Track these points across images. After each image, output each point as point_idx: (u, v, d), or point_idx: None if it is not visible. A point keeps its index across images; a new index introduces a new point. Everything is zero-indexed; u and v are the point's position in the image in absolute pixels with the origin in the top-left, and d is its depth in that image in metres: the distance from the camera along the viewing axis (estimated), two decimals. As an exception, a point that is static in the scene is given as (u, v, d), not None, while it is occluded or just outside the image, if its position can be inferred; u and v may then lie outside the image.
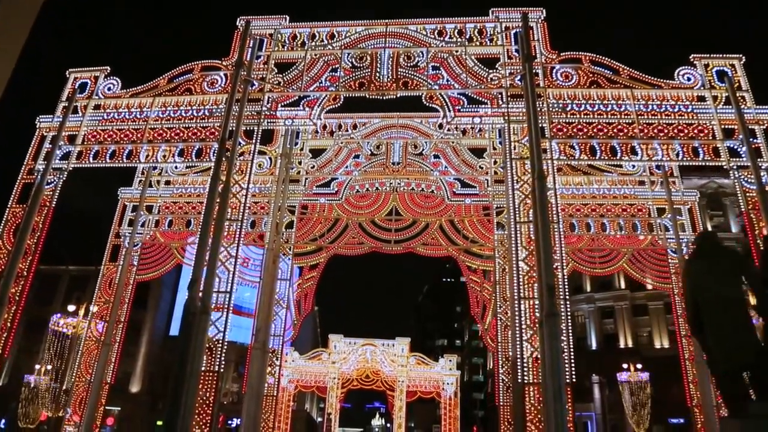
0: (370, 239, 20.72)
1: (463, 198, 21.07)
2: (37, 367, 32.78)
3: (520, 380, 14.07)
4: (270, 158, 22.07)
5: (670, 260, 19.83)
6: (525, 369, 14.01)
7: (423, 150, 21.82)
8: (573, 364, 14.07)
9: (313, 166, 22.05)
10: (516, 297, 14.75)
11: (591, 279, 53.07)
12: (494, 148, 21.64)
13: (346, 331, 41.25)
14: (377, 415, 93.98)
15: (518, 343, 14.19)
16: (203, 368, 14.70)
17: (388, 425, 70.97)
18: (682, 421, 49.18)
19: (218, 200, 15.81)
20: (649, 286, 53.25)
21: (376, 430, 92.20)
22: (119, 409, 52.48)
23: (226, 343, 15.12)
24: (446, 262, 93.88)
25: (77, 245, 48.69)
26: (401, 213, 21.06)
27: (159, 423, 54.61)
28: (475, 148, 21.84)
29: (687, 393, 18.43)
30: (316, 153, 22.39)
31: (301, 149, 22.37)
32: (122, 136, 18.05)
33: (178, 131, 17.86)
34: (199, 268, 14.69)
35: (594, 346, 53.11)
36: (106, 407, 53.23)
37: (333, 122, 22.60)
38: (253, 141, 17.30)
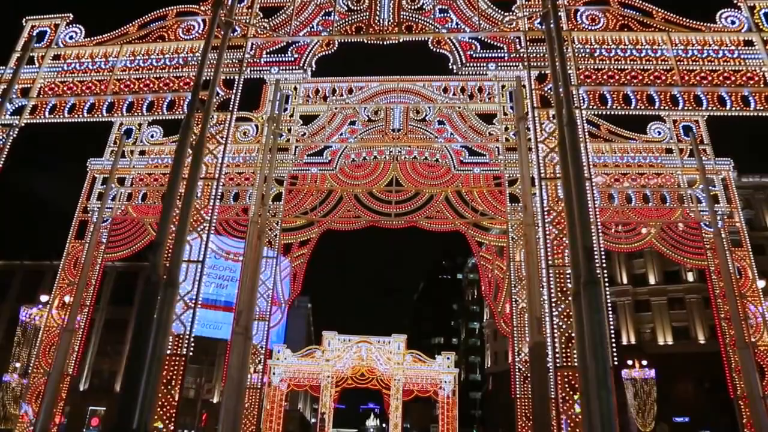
0: (367, 212, 18.07)
1: (472, 167, 18.48)
2: (18, 365, 29.86)
3: (551, 364, 11.44)
4: (256, 125, 19.44)
5: (704, 235, 17.30)
6: (556, 351, 11.40)
7: (426, 115, 19.23)
8: (614, 345, 11.45)
9: (304, 134, 19.40)
10: (544, 266, 12.13)
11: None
12: (505, 114, 19.05)
13: (340, 329, 38.65)
14: (372, 416, 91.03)
15: (547, 319, 11.60)
16: (168, 352, 11.98)
17: (384, 425, 68.15)
18: (687, 419, 46.83)
19: (190, 155, 13.16)
20: (652, 280, 51.19)
21: (371, 430, 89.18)
22: (105, 409, 49.48)
23: (197, 320, 12.41)
24: (443, 259, 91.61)
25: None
26: (402, 184, 18.44)
27: (146, 423, 51.65)
28: (484, 114, 19.26)
29: (729, 384, 15.84)
30: (308, 120, 19.75)
31: (291, 115, 19.71)
32: (84, 88, 15.37)
33: (147, 82, 15.19)
34: (165, 230, 11.95)
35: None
36: (92, 407, 50.37)
37: (326, 86, 20.02)
38: (234, 91, 14.63)
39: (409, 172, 18.45)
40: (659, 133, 18.72)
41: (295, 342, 50.10)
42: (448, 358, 38.68)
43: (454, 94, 19.45)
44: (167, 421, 11.54)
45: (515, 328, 16.56)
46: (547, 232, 12.27)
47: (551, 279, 11.88)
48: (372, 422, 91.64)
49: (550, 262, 12.02)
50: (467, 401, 63.05)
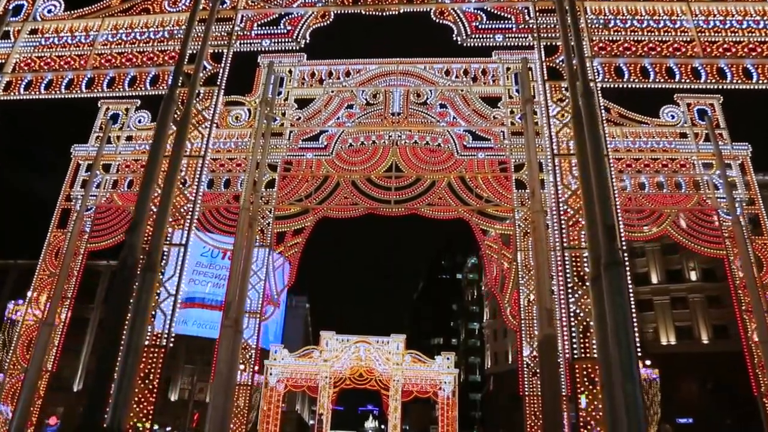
0: (365, 199, 16.89)
1: (475, 152, 17.35)
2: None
3: (569, 355, 10.28)
4: (249, 109, 18.31)
5: (722, 222, 16.17)
6: (573, 341, 10.24)
7: (427, 99, 18.11)
8: (636, 334, 10.28)
9: (299, 118, 18.25)
10: (559, 248, 10.97)
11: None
12: (510, 97, 17.93)
13: (338, 329, 37.49)
14: (370, 418, 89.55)
15: (562, 307, 10.46)
16: (146, 343, 10.79)
17: (383, 427, 66.81)
18: (690, 420, 45.51)
19: (174, 132, 12.03)
20: (655, 279, 49.93)
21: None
22: (98, 410, 48.03)
23: (178, 309, 11.22)
24: (442, 259, 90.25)
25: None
26: (402, 169, 17.29)
27: (139, 424, 50.12)
28: (488, 97, 18.14)
29: (752, 380, 14.67)
30: (303, 104, 18.61)
31: (285, 99, 18.57)
32: (62, 63, 14.22)
33: (130, 56, 14.05)
34: (144, 209, 10.82)
35: (597, 343, 49.20)
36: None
37: (322, 69, 18.89)
38: (222, 65, 13.48)
39: (410, 158, 17.31)
40: (672, 116, 17.65)
41: (292, 342, 48.83)
42: (447, 359, 37.58)
43: (456, 77, 18.35)
44: (144, 419, 10.33)
45: (523, 321, 15.39)
46: (562, 212, 11.14)
47: (567, 263, 10.74)
48: (371, 424, 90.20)
49: (565, 245, 10.87)
50: (467, 403, 61.72)
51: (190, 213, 11.85)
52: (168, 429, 47.88)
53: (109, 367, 9.83)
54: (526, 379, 15.08)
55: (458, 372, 38.35)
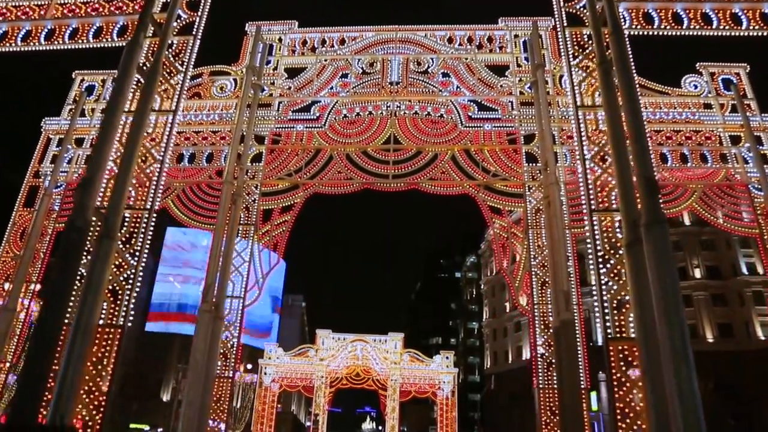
0: (361, 173, 15.13)
1: (481, 123, 15.63)
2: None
3: (603, 334, 8.51)
4: (235, 79, 16.61)
5: (753, 198, 14.46)
6: (606, 319, 8.49)
7: (429, 67, 16.43)
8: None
9: (289, 88, 16.51)
10: (586, 212, 9.21)
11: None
12: (519, 65, 16.24)
13: (335, 329, 35.91)
14: (368, 419, 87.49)
15: (594, 279, 8.69)
16: (101, 322, 8.99)
17: (380, 428, 64.88)
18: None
19: (141, 83, 10.30)
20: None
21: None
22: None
23: (138, 284, 9.42)
24: (440, 258, 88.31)
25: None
26: (401, 142, 15.56)
27: (132, 426, 48.33)
28: (495, 66, 16.46)
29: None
30: (294, 73, 16.91)
31: (275, 68, 16.87)
32: (19, 14, 12.47)
33: (96, 6, 12.29)
34: (98, 164, 9.08)
35: (600, 341, 47.43)
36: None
37: (315, 36, 17.20)
38: (198, 13, 11.73)
39: (409, 129, 15.57)
40: (695, 86, 15.99)
41: (288, 342, 47.02)
42: (447, 358, 36.03)
43: (460, 45, 16.68)
44: (94, 412, 8.49)
45: (536, 307, 13.60)
46: (588, 172, 9.41)
47: (596, 229, 9.00)
48: (368, 425, 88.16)
49: (593, 207, 9.13)
50: (466, 403, 59.79)
51: (156, 174, 10.08)
52: (159, 430, 45.95)
53: (50, 351, 8.03)
54: (540, 370, 13.26)
55: (457, 372, 36.82)
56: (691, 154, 15.11)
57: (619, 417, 7.93)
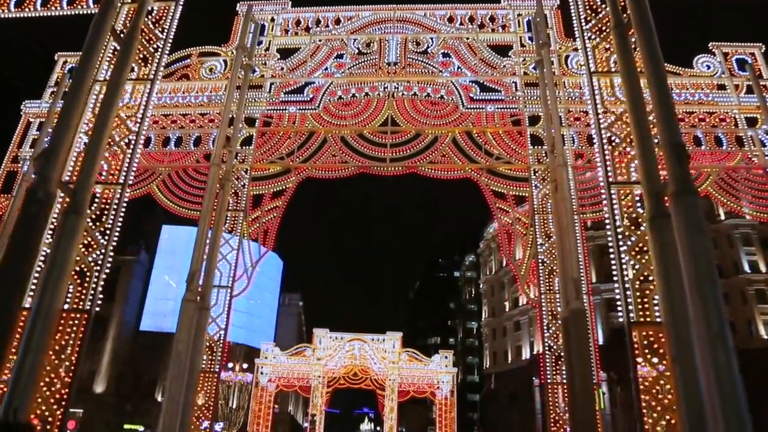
0: (356, 157, 14.19)
1: (484, 104, 14.70)
2: None
3: (625, 319, 7.56)
4: (225, 61, 15.68)
5: (773, 182, 13.55)
6: (628, 302, 7.55)
7: (428, 47, 15.52)
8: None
9: (282, 69, 15.57)
10: (604, 184, 8.28)
11: (596, 269, 46.70)
12: (522, 45, 15.34)
13: (333, 328, 35.11)
14: (366, 420, 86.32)
15: (614, 258, 7.76)
16: (66, 306, 8.02)
17: (378, 429, 63.82)
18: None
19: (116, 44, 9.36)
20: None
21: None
22: (82, 411, 44.92)
23: (108, 262, 8.45)
24: (439, 257, 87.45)
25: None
26: (399, 124, 14.63)
27: (126, 426, 47.20)
28: (497, 46, 15.55)
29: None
30: (287, 54, 15.99)
31: (267, 49, 15.95)
32: (-12, -19, 11.56)
33: (72, -28, 11.37)
34: (62, 134, 8.12)
35: (601, 340, 46.48)
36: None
37: (309, 16, 16.27)
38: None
39: (408, 111, 14.64)
40: (708, 67, 15.09)
41: (285, 342, 46.08)
42: (446, 357, 35.27)
43: (461, 24, 15.78)
44: (55, 406, 7.51)
45: (543, 296, 12.65)
46: (605, 141, 8.49)
47: (614, 204, 8.07)
48: (366, 426, 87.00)
49: (611, 180, 8.20)
50: (465, 403, 58.75)
51: (132, 146, 9.13)
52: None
53: (4, 339, 7.05)
54: (547, 365, 12.30)
55: (456, 371, 36.00)
56: (705, 137, 14.20)
57: (644, 412, 6.99)
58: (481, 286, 60.95)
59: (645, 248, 7.60)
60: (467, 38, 15.49)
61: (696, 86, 14.79)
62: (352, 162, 14.14)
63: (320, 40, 15.77)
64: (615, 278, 7.71)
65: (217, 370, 12.63)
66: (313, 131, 14.61)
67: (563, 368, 11.82)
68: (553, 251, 12.71)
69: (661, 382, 7.07)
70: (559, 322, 12.17)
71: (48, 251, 7.88)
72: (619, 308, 7.66)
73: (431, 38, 15.60)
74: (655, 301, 7.29)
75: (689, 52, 15.58)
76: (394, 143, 14.26)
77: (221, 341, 12.87)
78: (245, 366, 39.16)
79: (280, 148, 14.56)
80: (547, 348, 12.33)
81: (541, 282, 12.77)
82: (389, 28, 15.79)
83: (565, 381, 11.70)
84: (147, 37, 10.10)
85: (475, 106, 14.59)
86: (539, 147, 14.11)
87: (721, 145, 14.20)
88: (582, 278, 12.05)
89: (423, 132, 14.35)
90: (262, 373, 34.26)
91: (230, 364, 33.17)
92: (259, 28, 15.98)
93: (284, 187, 14.27)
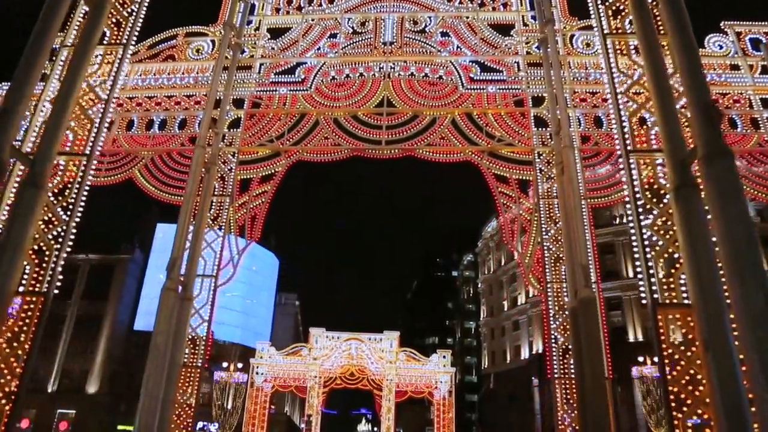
0: (350, 139, 13.30)
1: (485, 85, 13.83)
2: None
3: (649, 300, 6.68)
4: (212, 41, 14.80)
5: (792, 166, 12.70)
6: (652, 282, 6.67)
7: (426, 26, 14.67)
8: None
9: (272, 48, 14.70)
10: (622, 153, 7.42)
11: (596, 268, 45.83)
12: (525, 24, 14.51)
13: (330, 328, 34.35)
14: (363, 421, 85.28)
15: (635, 234, 6.88)
16: (21, 289, 7.10)
17: (375, 429, 62.81)
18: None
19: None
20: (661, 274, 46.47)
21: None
22: (75, 412, 43.84)
23: (70, 240, 7.53)
24: (437, 257, 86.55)
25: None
26: (396, 105, 13.75)
27: (120, 427, 46.12)
28: (499, 25, 14.72)
29: None
30: (277, 34, 15.12)
31: (257, 29, 15.09)
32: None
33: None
34: (19, 94, 7.21)
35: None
36: (60, 410, 44.90)
37: (301, -6, 15.41)
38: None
39: (405, 91, 13.77)
40: (720, 46, 14.26)
41: (282, 341, 45.09)
42: (444, 357, 34.62)
43: (460, 3, 14.95)
44: (3, 401, 6.57)
45: (549, 285, 11.77)
46: (621, 107, 7.63)
47: (633, 174, 7.20)
48: (363, 427, 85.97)
49: (629, 148, 7.33)
50: (463, 404, 57.81)
51: (100, 115, 8.24)
52: None
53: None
54: (554, 358, 11.40)
55: (455, 371, 35.23)
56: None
57: (674, 405, 6.08)
58: (479, 286, 60.06)
59: (669, 222, 6.75)
60: (467, 17, 14.66)
61: (708, 66, 13.93)
62: (345, 144, 13.26)
63: (313, 20, 14.91)
64: (636, 257, 6.85)
65: (199, 364, 11.70)
66: (305, 113, 13.73)
67: (571, 363, 10.92)
68: (560, 238, 11.83)
69: (691, 371, 6.21)
70: (567, 312, 11.29)
71: (1, 227, 6.96)
72: (642, 290, 6.77)
73: (429, 17, 14.76)
74: (682, 281, 6.44)
75: (701, 32, 14.76)
76: (390, 125, 13.38)
77: (206, 336, 11.96)
78: (239, 366, 38.26)
79: (270, 131, 13.66)
80: (553, 341, 11.44)
81: (547, 270, 11.89)
82: (385, 6, 14.95)
83: (573, 376, 10.81)
84: (120, 1, 9.23)
85: (476, 87, 13.72)
86: (543, 129, 13.24)
87: (735, 128, 13.36)
88: (591, 265, 11.20)
89: (420, 113, 13.48)
90: (257, 373, 33.56)
91: (225, 364, 32.24)
92: (248, 7, 15.14)
93: (273, 171, 13.37)
